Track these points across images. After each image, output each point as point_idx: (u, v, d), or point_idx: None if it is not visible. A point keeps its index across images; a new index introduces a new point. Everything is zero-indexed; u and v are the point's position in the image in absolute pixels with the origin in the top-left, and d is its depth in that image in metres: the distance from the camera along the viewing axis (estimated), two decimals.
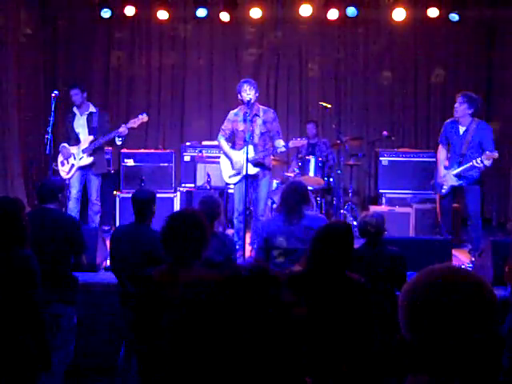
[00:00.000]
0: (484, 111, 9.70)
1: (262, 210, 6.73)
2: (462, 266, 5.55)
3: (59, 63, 9.93)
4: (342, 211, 8.31)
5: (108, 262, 5.70)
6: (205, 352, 1.16)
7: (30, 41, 9.41)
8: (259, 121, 6.65)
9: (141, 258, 4.18)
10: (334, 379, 3.09)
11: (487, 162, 6.53)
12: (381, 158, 8.86)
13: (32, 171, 9.04)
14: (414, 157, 8.77)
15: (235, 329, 1.15)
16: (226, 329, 1.15)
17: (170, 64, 10.16)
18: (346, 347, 3.13)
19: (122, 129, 7.08)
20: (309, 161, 8.10)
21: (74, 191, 7.13)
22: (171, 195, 8.40)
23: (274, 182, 7.60)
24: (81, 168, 7.21)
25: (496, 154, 6.53)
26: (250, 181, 6.62)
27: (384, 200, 8.66)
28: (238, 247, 5.94)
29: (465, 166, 6.68)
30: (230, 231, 7.24)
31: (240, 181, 6.62)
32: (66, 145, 7.25)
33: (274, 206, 7.31)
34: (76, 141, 7.26)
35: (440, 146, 7.07)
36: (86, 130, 7.26)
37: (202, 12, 9.36)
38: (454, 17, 9.18)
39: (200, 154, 8.60)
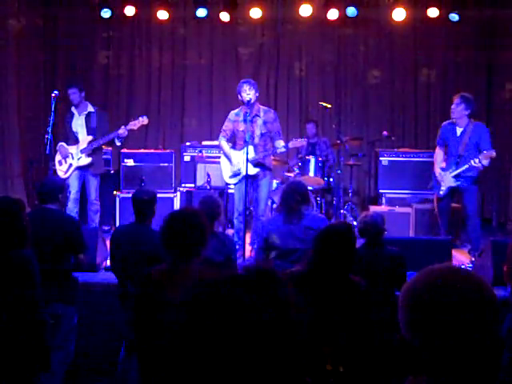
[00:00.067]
0: (484, 111, 9.73)
1: (263, 210, 6.73)
2: (462, 266, 5.54)
3: (59, 63, 9.93)
4: (341, 211, 8.31)
5: (108, 262, 5.70)
6: (207, 352, 1.16)
7: (30, 41, 9.41)
8: (260, 121, 6.65)
9: (141, 258, 4.18)
10: (334, 379, 3.09)
11: (485, 162, 6.54)
12: (381, 158, 8.86)
13: (32, 171, 9.04)
14: (413, 157, 8.77)
15: (238, 329, 1.15)
16: (229, 329, 1.15)
17: (170, 64, 10.16)
18: (345, 348, 3.13)
19: (122, 130, 7.08)
20: (309, 161, 8.10)
21: (73, 191, 7.11)
22: (171, 195, 8.40)
23: (274, 182, 7.60)
24: (79, 168, 7.20)
25: (494, 153, 6.56)
26: (250, 181, 6.62)
27: (384, 200, 8.66)
28: (237, 247, 5.94)
29: (463, 168, 6.70)
30: (230, 231, 7.24)
31: (240, 181, 6.62)
32: (64, 144, 7.23)
33: (274, 206, 7.31)
34: (74, 140, 7.24)
35: (437, 148, 7.09)
36: (85, 130, 7.24)
37: (201, 12, 9.36)
38: (454, 17, 9.18)
39: (200, 154, 8.60)
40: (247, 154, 6.37)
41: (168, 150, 8.99)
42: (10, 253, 3.33)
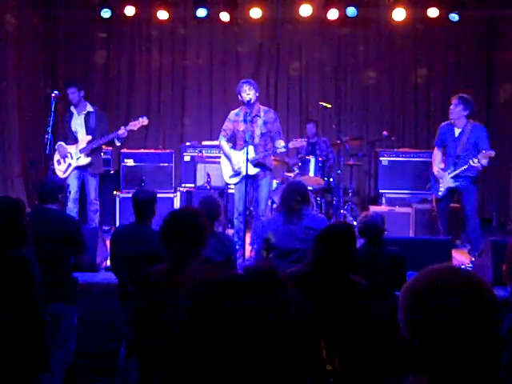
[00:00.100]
0: (484, 111, 9.73)
1: (263, 210, 6.73)
2: (462, 266, 5.55)
3: (59, 63, 9.92)
4: (341, 211, 8.31)
5: (108, 262, 5.70)
6: (207, 352, 1.16)
7: (30, 41, 9.41)
8: (260, 121, 6.65)
9: (141, 258, 4.18)
10: (334, 379, 3.09)
11: (484, 161, 6.56)
12: (381, 158, 8.87)
13: (32, 171, 9.04)
14: (413, 157, 8.77)
15: (239, 330, 1.15)
16: (230, 329, 1.15)
17: (170, 64, 10.16)
18: (345, 348, 3.13)
19: (122, 131, 7.07)
20: (309, 161, 8.10)
21: (73, 191, 7.11)
22: (171, 195, 8.40)
23: (274, 182, 7.60)
24: (78, 168, 7.19)
25: (493, 153, 6.57)
26: (250, 181, 6.62)
27: (384, 200, 8.66)
28: (237, 247, 5.94)
29: (461, 168, 6.71)
30: (230, 231, 7.24)
31: (240, 181, 6.62)
32: (62, 143, 7.21)
33: (274, 206, 7.31)
34: (73, 140, 7.23)
35: (435, 149, 7.10)
36: (84, 130, 7.24)
37: (201, 12, 9.36)
38: (454, 17, 9.18)
39: (200, 154, 8.60)
40: (247, 153, 6.37)
41: (168, 150, 8.99)
42: (10, 253, 3.33)
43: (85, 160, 7.17)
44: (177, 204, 8.34)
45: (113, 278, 4.76)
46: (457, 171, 6.75)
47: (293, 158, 8.66)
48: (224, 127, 6.82)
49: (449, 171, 6.83)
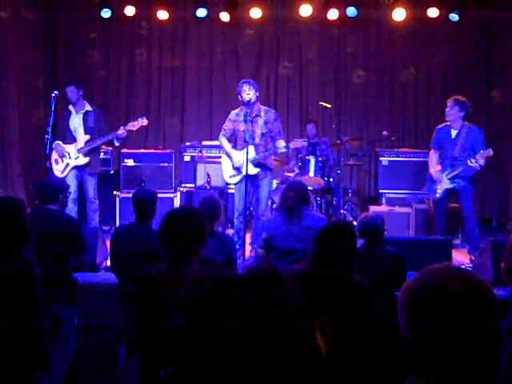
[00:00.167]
0: (484, 111, 9.74)
1: (263, 210, 6.73)
2: (462, 266, 5.55)
3: (59, 63, 9.93)
4: (341, 211, 8.31)
5: (108, 262, 5.70)
6: (209, 352, 1.16)
7: (30, 41, 9.41)
8: (260, 121, 6.66)
9: (141, 258, 4.18)
10: (334, 379, 3.09)
11: (481, 161, 6.60)
12: (381, 158, 8.87)
13: (32, 171, 9.05)
14: (414, 157, 8.77)
15: (240, 329, 1.15)
16: (231, 329, 1.15)
17: (170, 64, 10.16)
18: (346, 347, 3.13)
19: (121, 131, 7.07)
20: (309, 161, 8.10)
21: (72, 191, 7.09)
22: (171, 195, 8.40)
23: (274, 182, 7.60)
24: (76, 167, 7.18)
25: (491, 152, 6.61)
26: (250, 181, 6.63)
27: (384, 200, 8.66)
28: (238, 247, 5.94)
29: (459, 170, 6.73)
30: (230, 231, 7.25)
31: (240, 181, 6.62)
32: (60, 142, 7.17)
33: (274, 206, 7.31)
34: (71, 139, 7.21)
35: (432, 151, 7.13)
36: (82, 129, 7.23)
37: (201, 12, 9.36)
38: (454, 17, 9.18)
39: (200, 154, 8.61)
40: (247, 154, 6.37)
41: (168, 150, 8.99)
42: (11, 253, 3.33)
43: (83, 160, 7.16)
44: (177, 204, 8.33)
45: (113, 278, 4.76)
46: (454, 172, 6.78)
47: (293, 158, 8.65)
48: (224, 126, 6.83)
49: (446, 173, 6.86)
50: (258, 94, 6.67)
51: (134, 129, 7.20)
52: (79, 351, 4.58)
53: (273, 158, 7.00)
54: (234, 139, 6.86)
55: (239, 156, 6.63)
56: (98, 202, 7.34)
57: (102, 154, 8.53)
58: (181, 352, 1.19)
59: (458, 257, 6.93)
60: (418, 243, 6.29)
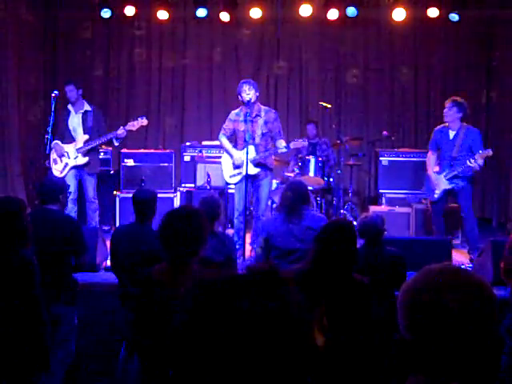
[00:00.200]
0: (484, 111, 9.74)
1: (263, 210, 6.73)
2: (462, 266, 5.55)
3: (59, 63, 9.93)
4: (341, 211, 8.31)
5: (108, 262, 5.70)
6: (209, 352, 1.16)
7: (30, 41, 9.41)
8: (261, 121, 6.66)
9: (141, 258, 4.18)
10: (335, 378, 3.09)
11: (480, 161, 6.63)
12: (381, 158, 8.87)
13: (32, 171, 9.05)
14: (413, 157, 8.77)
15: (241, 329, 1.15)
16: (232, 329, 1.15)
17: (170, 64, 10.16)
18: (346, 347, 3.13)
19: (121, 131, 7.06)
20: (309, 161, 8.10)
21: (71, 191, 7.08)
22: (171, 195, 8.40)
23: (274, 182, 7.61)
24: (74, 167, 7.17)
25: (490, 152, 6.65)
26: (250, 181, 6.63)
27: (384, 200, 8.66)
28: (237, 247, 5.94)
29: (458, 169, 6.74)
30: (230, 231, 7.24)
31: (241, 181, 6.62)
32: (58, 142, 7.15)
33: (274, 205, 7.31)
34: (70, 139, 7.20)
35: (430, 153, 7.15)
36: (81, 129, 7.22)
37: (201, 12, 9.36)
38: (454, 17, 9.18)
39: (200, 154, 8.61)
40: (247, 153, 6.37)
41: (168, 150, 8.99)
42: (11, 253, 3.33)
43: (82, 160, 7.15)
44: (177, 204, 8.34)
45: (113, 278, 4.76)
46: (453, 173, 6.80)
47: (293, 158, 8.65)
48: (224, 126, 6.84)
49: (444, 173, 6.87)
50: (258, 93, 6.67)
51: (134, 129, 7.20)
52: (79, 351, 4.58)
53: (273, 157, 7.01)
54: (234, 139, 6.86)
55: (240, 154, 6.62)
56: (97, 201, 7.33)
57: (102, 154, 8.54)
58: (181, 352, 1.19)
59: (457, 257, 6.93)
60: (418, 243, 6.28)
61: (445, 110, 6.91)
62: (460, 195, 6.91)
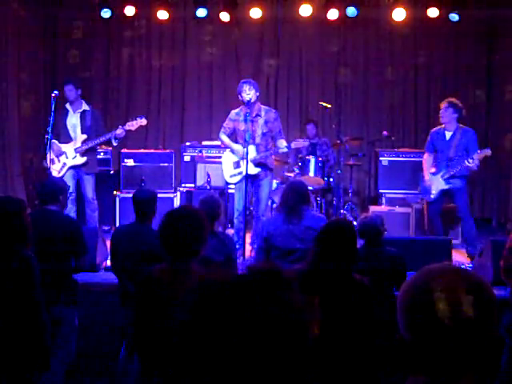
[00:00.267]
0: (484, 112, 9.74)
1: (263, 210, 6.73)
2: (462, 266, 5.55)
3: (59, 63, 9.93)
4: (341, 211, 8.31)
5: (108, 262, 5.70)
6: (211, 352, 1.16)
7: (30, 41, 9.41)
8: (261, 121, 6.66)
9: (141, 258, 4.18)
10: (335, 379, 3.09)
11: (477, 161, 6.64)
12: (381, 158, 8.87)
13: (32, 171, 9.05)
14: (413, 157, 8.77)
15: (243, 330, 1.15)
16: (234, 330, 1.15)
17: (170, 64, 10.16)
18: (347, 347, 3.13)
19: (120, 131, 7.06)
20: (309, 161, 8.10)
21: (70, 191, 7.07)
22: (171, 195, 8.40)
23: (274, 182, 7.61)
24: (72, 167, 7.16)
25: (489, 152, 6.67)
26: (250, 181, 6.63)
27: (384, 200, 8.66)
28: (237, 247, 5.94)
29: (456, 169, 6.76)
30: (230, 231, 7.24)
31: (241, 180, 6.62)
32: (56, 142, 7.12)
33: (274, 205, 7.31)
34: (68, 138, 7.18)
35: (426, 154, 7.19)
36: (79, 129, 7.21)
37: (201, 12, 9.35)
38: (454, 17, 9.17)
39: (200, 154, 8.61)
40: (247, 153, 6.37)
41: (168, 150, 9.00)
42: (11, 253, 3.33)
43: (81, 159, 7.14)
44: (177, 204, 8.34)
45: (113, 278, 4.76)
46: (450, 173, 6.81)
47: (293, 158, 8.65)
48: (224, 125, 6.84)
49: (441, 174, 6.89)
50: (258, 93, 6.68)
51: (133, 128, 7.19)
52: (79, 351, 4.58)
53: (273, 157, 7.01)
54: (233, 139, 6.86)
55: (241, 147, 6.61)
56: (96, 202, 7.32)
57: (102, 154, 8.55)
58: (181, 352, 1.18)
59: (457, 257, 6.93)
60: (418, 243, 6.29)
61: (441, 111, 6.97)
62: (456, 195, 6.94)
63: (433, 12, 9.23)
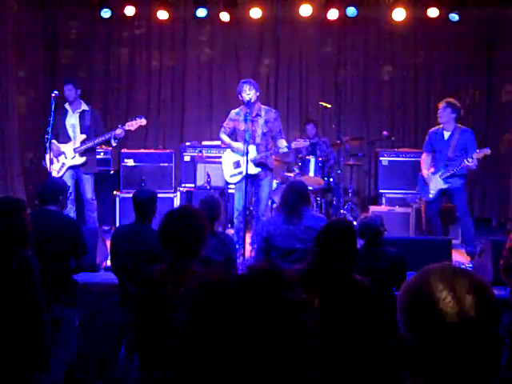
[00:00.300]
0: (484, 112, 9.74)
1: (263, 210, 6.73)
2: (462, 266, 5.55)
3: (59, 63, 9.93)
4: (341, 211, 8.31)
5: (108, 262, 5.70)
6: (211, 352, 1.15)
7: (30, 41, 9.41)
8: (261, 120, 6.66)
9: (141, 258, 4.18)
10: (335, 379, 3.09)
11: (476, 161, 6.65)
12: (381, 158, 8.87)
13: (32, 171, 9.04)
14: (413, 157, 8.77)
15: (243, 330, 1.15)
16: (234, 330, 1.15)
17: (170, 64, 10.16)
18: (347, 347, 3.13)
19: (119, 131, 7.05)
20: (309, 161, 8.10)
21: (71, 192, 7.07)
22: (171, 195, 8.41)
23: (274, 182, 7.61)
24: (71, 167, 7.16)
25: (489, 151, 6.69)
26: (250, 181, 6.63)
27: (384, 200, 8.66)
28: (238, 247, 5.94)
29: (454, 169, 6.77)
30: (230, 231, 7.24)
31: (241, 180, 6.63)
32: (54, 142, 7.11)
33: (274, 205, 7.31)
34: (66, 138, 7.18)
35: (424, 154, 7.20)
36: (78, 129, 7.20)
37: (201, 12, 9.36)
38: (454, 17, 9.18)
39: (200, 154, 8.61)
40: (247, 153, 6.37)
41: (168, 150, 9.00)
42: (11, 253, 3.33)
43: (80, 159, 7.14)
44: (177, 204, 8.34)
45: (113, 278, 4.76)
46: (449, 173, 6.82)
47: (292, 158, 8.65)
48: (224, 124, 6.85)
49: (440, 173, 6.90)
50: (258, 93, 6.68)
51: (132, 128, 7.19)
52: (79, 351, 4.57)
53: (273, 157, 7.01)
54: (234, 139, 6.86)
55: (241, 144, 6.61)
56: (95, 202, 7.32)
57: (101, 154, 8.56)
58: (181, 352, 1.18)
59: (457, 257, 6.93)
60: (418, 243, 6.29)
61: (439, 112, 6.99)
62: (455, 195, 6.95)
63: (433, 12, 9.23)
